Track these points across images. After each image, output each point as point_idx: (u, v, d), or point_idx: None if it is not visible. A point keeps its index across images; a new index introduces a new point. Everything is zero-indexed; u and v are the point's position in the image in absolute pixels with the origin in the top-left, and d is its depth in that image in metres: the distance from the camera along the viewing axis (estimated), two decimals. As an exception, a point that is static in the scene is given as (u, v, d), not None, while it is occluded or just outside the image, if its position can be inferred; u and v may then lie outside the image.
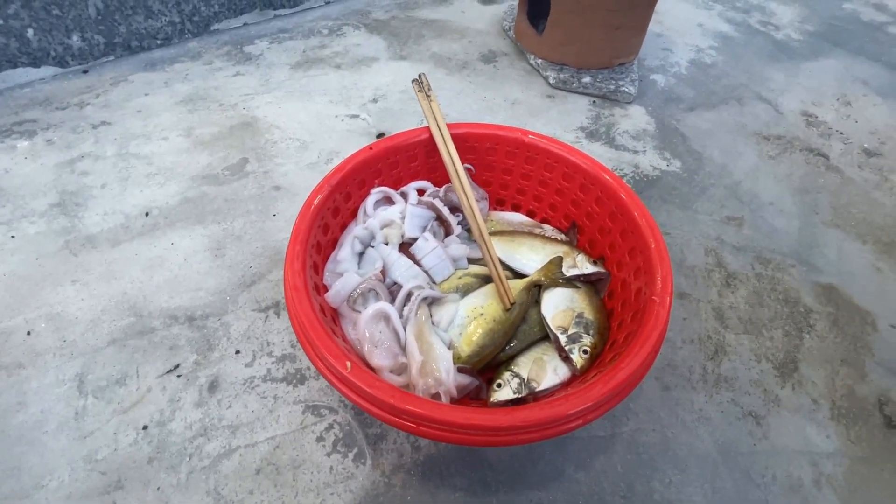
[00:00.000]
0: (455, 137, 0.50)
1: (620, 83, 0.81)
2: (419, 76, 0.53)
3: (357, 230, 0.46)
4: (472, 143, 0.52)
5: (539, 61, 0.86)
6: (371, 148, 0.48)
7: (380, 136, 0.74)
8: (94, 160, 0.68)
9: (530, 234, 0.51)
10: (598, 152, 0.72)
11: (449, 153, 0.48)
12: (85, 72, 0.83)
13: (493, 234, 0.50)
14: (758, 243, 0.60)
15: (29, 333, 0.48)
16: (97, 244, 0.57)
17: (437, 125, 0.49)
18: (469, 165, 0.53)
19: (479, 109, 0.79)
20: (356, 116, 0.77)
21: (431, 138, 0.50)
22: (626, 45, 0.82)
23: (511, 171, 0.53)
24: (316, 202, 0.42)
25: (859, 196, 0.67)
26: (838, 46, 0.98)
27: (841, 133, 0.78)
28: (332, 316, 0.41)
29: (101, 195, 0.63)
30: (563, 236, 0.52)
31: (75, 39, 0.81)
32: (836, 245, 0.61)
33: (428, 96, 0.51)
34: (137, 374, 0.46)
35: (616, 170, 0.69)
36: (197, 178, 0.65)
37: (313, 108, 0.78)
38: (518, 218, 0.54)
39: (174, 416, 0.43)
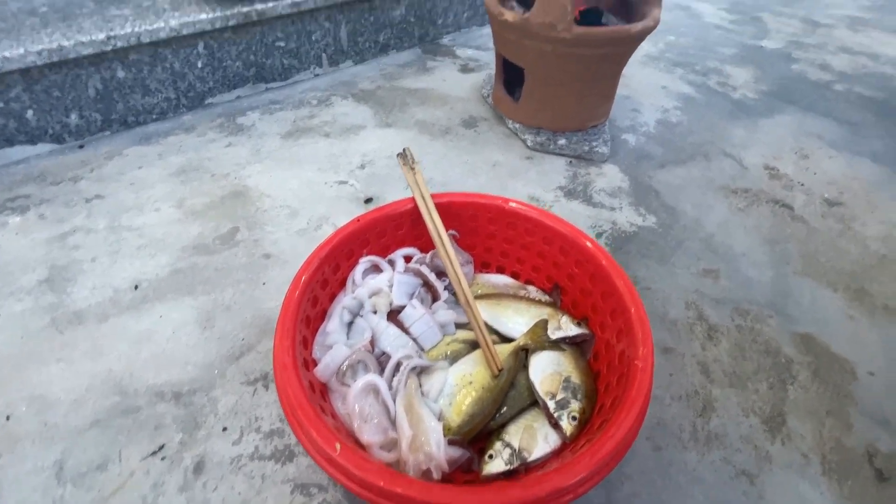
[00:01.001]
0: (439, 207, 0.52)
1: (594, 144, 0.86)
2: (403, 150, 0.56)
3: (346, 300, 0.48)
4: (455, 211, 0.54)
5: (517, 126, 0.91)
6: (359, 220, 0.50)
7: (368, 201, 0.77)
8: (85, 234, 0.69)
9: (515, 296, 0.52)
10: (577, 210, 0.75)
11: (434, 223, 0.50)
12: (81, 147, 0.86)
13: (478, 297, 0.52)
14: (735, 295, 0.63)
15: (8, 418, 0.47)
16: (84, 320, 0.57)
17: (422, 196, 0.52)
18: (453, 231, 0.55)
19: (463, 172, 0.83)
20: (345, 182, 0.80)
21: (417, 208, 0.52)
22: (596, 110, 0.88)
23: (494, 235, 0.55)
24: (304, 277, 0.43)
25: (825, 244, 0.71)
26: (791, 104, 1.06)
27: (802, 185, 0.83)
28: (322, 391, 0.41)
29: (90, 269, 0.63)
30: (547, 297, 0.53)
31: (73, 118, 0.84)
32: (809, 294, 0.63)
33: (412, 169, 0.54)
34: (120, 457, 0.45)
35: (595, 227, 0.72)
36: (187, 249, 0.67)
37: (303, 176, 0.81)
38: (503, 280, 0.56)
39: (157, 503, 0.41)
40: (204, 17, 0.88)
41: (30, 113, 0.79)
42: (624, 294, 0.43)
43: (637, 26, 0.74)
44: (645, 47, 1.30)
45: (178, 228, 0.70)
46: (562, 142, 0.87)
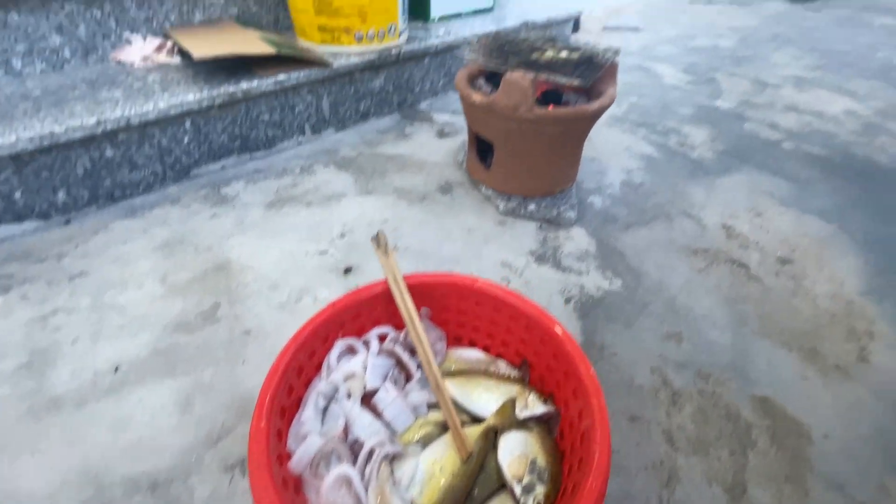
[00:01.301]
0: (412, 287, 0.55)
1: (562, 209, 0.91)
2: (377, 234, 0.60)
3: (321, 386, 0.49)
4: (427, 291, 0.57)
5: (489, 191, 0.97)
6: (334, 304, 0.53)
7: (347, 271, 0.80)
8: (67, 314, 0.70)
9: (486, 372, 0.55)
10: (546, 276, 0.79)
11: (406, 305, 0.53)
12: (67, 222, 0.88)
13: (450, 374, 0.54)
14: (697, 358, 0.66)
15: (-21, 519, 0.47)
16: (62, 406, 0.57)
17: (395, 279, 0.55)
18: (427, 309, 0.58)
19: (439, 238, 0.87)
20: (325, 252, 0.83)
21: (390, 290, 0.55)
22: (562, 176, 0.94)
23: (465, 312, 0.58)
24: (280, 368, 0.45)
25: (780, 304, 0.75)
26: (745, 162, 1.14)
27: (757, 243, 0.88)
28: (296, 485, 0.42)
29: (71, 351, 0.64)
30: (515, 372, 0.56)
31: (61, 195, 0.87)
32: (766, 355, 0.67)
33: (386, 252, 0.58)
34: (93, 557, 0.44)
35: (563, 292, 0.76)
36: (169, 327, 0.68)
37: (285, 247, 0.84)
38: (475, 355, 0.59)
39: None
40: (192, 97, 0.93)
41: (17, 194, 0.82)
42: (583, 374, 0.46)
43: (594, 105, 0.81)
44: (610, 109, 1.39)
45: (160, 305, 0.72)
46: (532, 207, 0.92)
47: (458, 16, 1.56)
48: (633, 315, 0.72)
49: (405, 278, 0.56)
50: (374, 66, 1.21)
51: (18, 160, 0.79)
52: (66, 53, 1.04)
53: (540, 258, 0.83)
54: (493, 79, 0.93)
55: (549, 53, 0.85)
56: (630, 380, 0.63)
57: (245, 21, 1.24)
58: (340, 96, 1.19)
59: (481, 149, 0.98)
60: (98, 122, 0.83)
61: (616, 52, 0.89)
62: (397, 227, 0.89)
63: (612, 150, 1.18)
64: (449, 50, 1.37)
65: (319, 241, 0.86)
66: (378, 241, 0.59)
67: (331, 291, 0.75)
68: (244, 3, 1.24)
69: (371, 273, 0.79)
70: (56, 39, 1.01)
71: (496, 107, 0.80)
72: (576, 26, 2.14)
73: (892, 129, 1.31)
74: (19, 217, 0.84)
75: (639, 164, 1.12)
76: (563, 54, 0.85)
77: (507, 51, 0.88)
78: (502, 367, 0.57)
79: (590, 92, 0.89)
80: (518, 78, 0.76)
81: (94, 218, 0.89)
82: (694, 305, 0.74)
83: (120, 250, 0.82)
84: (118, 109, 0.86)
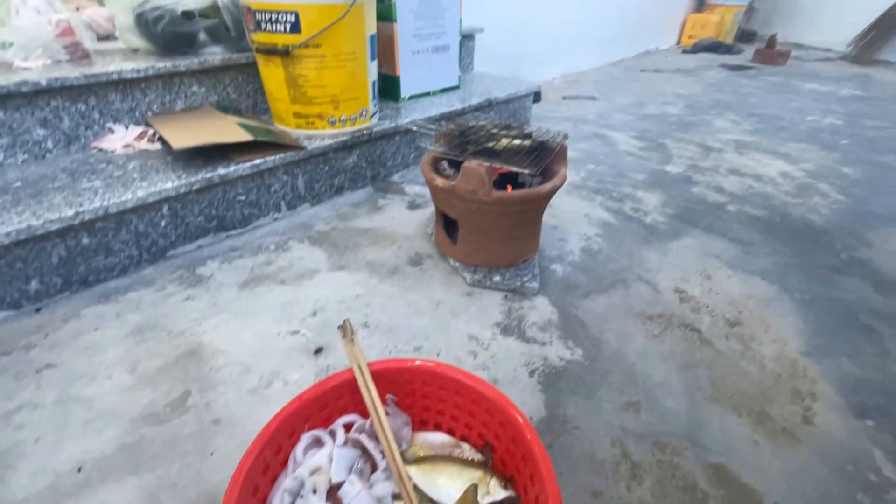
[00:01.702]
0: (376, 374, 0.58)
1: (525, 279, 0.97)
2: (344, 322, 0.63)
3: (286, 482, 0.50)
4: (391, 377, 0.60)
5: (457, 264, 1.02)
6: (300, 397, 0.55)
7: (318, 351, 0.82)
8: (31, 410, 0.69)
9: (450, 457, 0.57)
10: (512, 348, 0.83)
11: (370, 395, 0.56)
12: (38, 310, 0.89)
13: (415, 461, 0.56)
14: (654, 428, 0.69)
15: None
16: (20, 515, 0.56)
17: (360, 368, 0.58)
18: (392, 396, 0.60)
19: (408, 313, 0.90)
20: (297, 332, 0.85)
21: (355, 378, 0.57)
22: (524, 248, 1.00)
23: (429, 395, 0.61)
24: (245, 468, 0.46)
25: (730, 367, 0.80)
26: (693, 226, 1.23)
27: (707, 306, 0.94)
28: None
29: (33, 451, 0.63)
30: (479, 456, 0.58)
31: (34, 284, 0.88)
32: (719, 421, 0.70)
33: (352, 341, 0.61)
34: None
35: (528, 364, 0.79)
36: (137, 420, 0.68)
37: (257, 328, 0.86)
38: (439, 438, 0.61)
39: None
40: (170, 185, 0.98)
41: (-10, 286, 0.83)
42: (539, 461, 0.48)
43: (546, 187, 0.88)
44: (570, 176, 1.50)
45: (129, 397, 0.72)
46: (496, 278, 0.97)
47: (426, 94, 1.69)
48: (594, 385, 0.76)
49: (370, 365, 0.59)
50: (347, 146, 1.29)
51: (-7, 255, 0.81)
52: (49, 144, 1.08)
53: (505, 330, 0.87)
54: (456, 162, 1.01)
55: (504, 142, 0.93)
56: (592, 454, 0.65)
57: (224, 107, 1.32)
58: (315, 174, 1.26)
59: (447, 224, 1.04)
60: (76, 214, 0.87)
61: (565, 136, 0.99)
62: (368, 303, 0.93)
63: (572, 217, 1.26)
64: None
65: (291, 320, 0.88)
66: (344, 330, 0.62)
67: (301, 374, 0.77)
68: (223, 91, 1.32)
69: (342, 352, 0.81)
70: (40, 132, 1.06)
71: (457, 191, 0.87)
72: (537, 97, 2.32)
73: (823, 189, 1.44)
74: (-11, 308, 0.84)
75: (597, 231, 1.20)
76: (517, 142, 0.93)
77: (465, 140, 0.97)
78: (466, 450, 0.59)
79: (545, 171, 0.98)
80: (475, 166, 0.83)
81: (66, 305, 0.90)
82: (651, 373, 0.78)
83: (91, 338, 0.83)
84: (97, 200, 0.90)
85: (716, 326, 0.89)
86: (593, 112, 2.19)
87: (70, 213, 0.86)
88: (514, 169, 0.84)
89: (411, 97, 1.65)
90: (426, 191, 1.38)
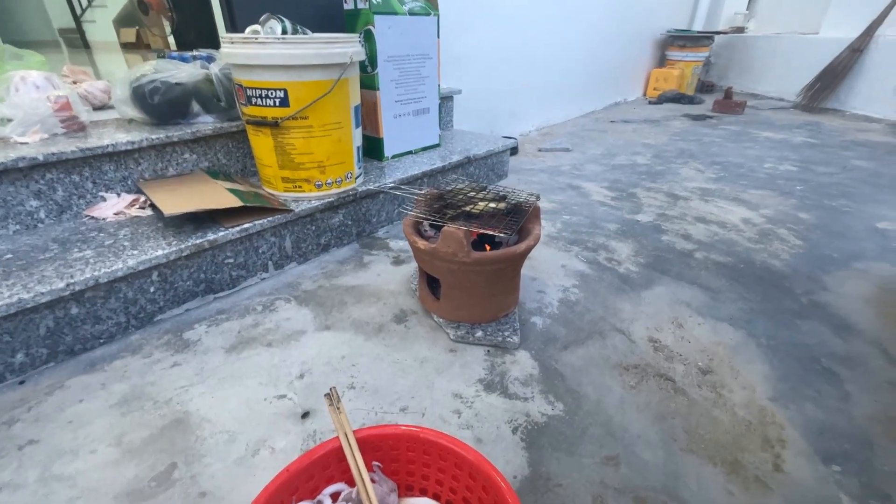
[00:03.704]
0: (363, 441, 0.60)
1: (506, 334, 1.00)
2: (330, 390, 0.66)
3: (274, 559, 0.51)
4: (377, 443, 0.62)
5: (440, 320, 1.05)
6: (287, 470, 0.56)
7: (304, 415, 0.83)
8: (12, 491, 0.69)
9: (435, 523, 0.58)
10: (495, 405, 0.85)
11: (356, 463, 0.57)
12: (21, 383, 0.89)
13: (402, 529, 0.57)
14: (633, 482, 0.71)
15: None
16: None
17: (346, 436, 0.60)
18: (377, 463, 0.62)
19: (393, 373, 0.93)
20: (283, 396, 0.87)
21: (341, 447, 0.59)
22: (504, 303, 1.04)
23: (414, 461, 0.63)
24: (234, 548, 0.47)
25: (703, 416, 0.83)
26: (664, 274, 1.30)
27: (680, 355, 0.99)
28: None
29: (12, 536, 0.63)
30: (463, 520, 0.59)
31: (19, 357, 0.88)
32: (695, 472, 0.73)
33: (338, 409, 0.63)
34: None
35: (511, 421, 0.82)
36: (121, 497, 0.68)
37: (244, 394, 0.87)
38: (426, 503, 0.62)
39: None
40: (160, 252, 1.01)
41: (-25, 361, 0.83)
42: (518, 525, 0.50)
43: (521, 247, 0.94)
44: (547, 227, 1.57)
45: (113, 473, 0.71)
46: (479, 334, 1.00)
47: (409, 153, 1.78)
48: (574, 441, 0.78)
49: (356, 433, 0.61)
50: (333, 207, 1.35)
51: (-19, 329, 0.82)
52: (42, 214, 1.11)
53: (489, 386, 0.89)
54: (436, 225, 1.07)
55: (481, 205, 1.00)
56: (574, 512, 0.67)
57: (214, 172, 1.38)
58: (302, 234, 1.31)
59: (430, 281, 1.08)
60: (67, 286, 0.89)
61: (537, 198, 1.06)
62: (355, 364, 0.95)
63: (549, 268, 1.32)
64: (401, 185, 1.55)
65: (278, 384, 0.89)
66: (331, 397, 0.65)
67: (288, 440, 0.77)
68: (214, 157, 1.38)
69: (328, 416, 0.82)
70: (33, 203, 1.10)
71: (438, 253, 0.92)
72: (514, 151, 2.45)
73: (782, 234, 1.54)
74: (-28, 383, 0.84)
75: (574, 282, 1.25)
76: (493, 205, 1.00)
77: (444, 203, 1.03)
78: (451, 514, 0.60)
79: (521, 230, 1.04)
80: (454, 230, 0.89)
81: (50, 376, 0.90)
82: (629, 425, 0.81)
83: (75, 410, 0.83)
84: (87, 270, 0.93)
85: (689, 375, 0.93)
86: (567, 163, 2.32)
87: (61, 284, 0.88)
88: (491, 232, 0.90)
89: (395, 156, 1.73)
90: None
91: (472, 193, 1.07)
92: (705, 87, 4.44)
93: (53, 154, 1.07)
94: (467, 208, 0.99)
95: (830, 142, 2.69)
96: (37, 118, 1.20)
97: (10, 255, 0.99)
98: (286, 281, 1.25)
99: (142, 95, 1.28)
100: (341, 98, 1.22)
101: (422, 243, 0.95)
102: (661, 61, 4.32)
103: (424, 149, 1.84)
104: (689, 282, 1.26)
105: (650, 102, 4.00)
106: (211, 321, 1.08)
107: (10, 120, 1.18)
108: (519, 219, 0.98)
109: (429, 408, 0.84)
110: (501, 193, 1.07)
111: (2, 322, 0.85)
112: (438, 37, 1.71)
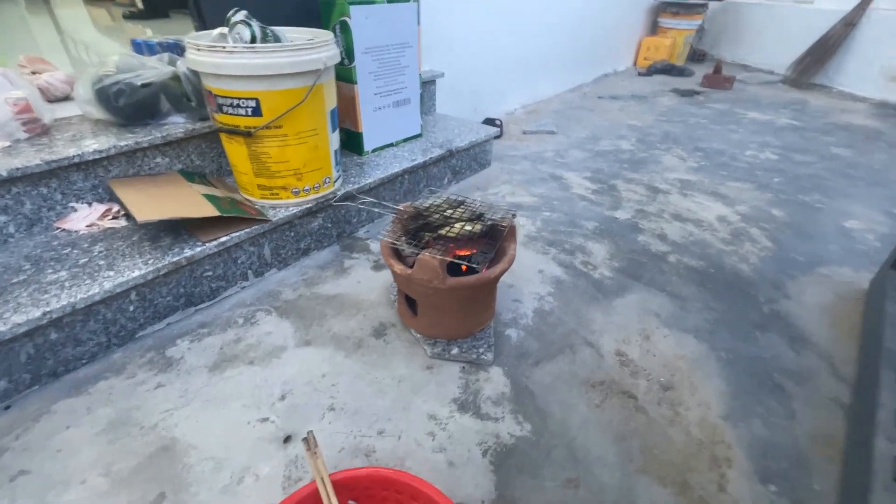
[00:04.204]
0: (339, 483, 0.65)
1: (480, 350, 1.05)
2: (308, 434, 0.69)
3: None
4: (353, 484, 0.66)
5: (418, 335, 1.09)
6: (288, 499, 0.61)
7: (286, 439, 0.87)
8: (8, 524, 0.73)
9: (406, 558, 0.64)
10: (467, 426, 0.90)
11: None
12: (7, 408, 0.91)
13: (375, 565, 0.63)
14: (590, 504, 0.78)
15: None
16: None
17: (322, 481, 0.64)
18: (353, 502, 0.67)
19: (372, 393, 0.97)
20: (266, 419, 0.91)
21: (317, 490, 0.64)
22: (479, 319, 1.08)
23: (387, 499, 0.68)
24: None
25: (659, 436, 0.90)
26: (636, 280, 1.34)
27: (644, 370, 1.05)
28: None
29: (12, 571, 0.67)
30: (431, 555, 0.65)
31: (2, 384, 0.90)
32: (647, 493, 0.80)
33: (315, 454, 0.67)
34: None
35: (481, 444, 0.87)
36: (113, 529, 0.72)
37: (228, 417, 0.91)
38: (397, 537, 0.68)
39: None
40: (137, 273, 1.01)
41: (-42, 393, 0.85)
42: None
43: (495, 271, 0.97)
44: (527, 226, 1.59)
45: (104, 504, 0.76)
46: (455, 350, 1.05)
47: (390, 145, 1.75)
48: (539, 463, 0.84)
49: (332, 476, 0.65)
50: (311, 212, 1.34)
51: (-39, 364, 0.83)
52: (11, 229, 1.09)
53: (462, 406, 0.94)
54: (415, 239, 1.08)
55: (457, 227, 1.01)
56: (535, 535, 0.73)
57: (189, 173, 1.34)
58: (281, 241, 1.31)
59: (409, 298, 1.11)
60: (44, 314, 0.89)
61: (514, 215, 1.07)
62: (335, 383, 0.99)
63: (527, 274, 1.35)
64: (382, 184, 1.54)
65: (261, 406, 0.93)
66: (308, 442, 0.68)
67: (271, 466, 0.82)
68: (187, 159, 1.35)
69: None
70: (1, 219, 1.07)
71: (414, 278, 0.94)
72: (500, 133, 2.41)
73: (754, 234, 1.58)
74: (-43, 413, 0.86)
75: (549, 289, 1.29)
76: (468, 227, 1.01)
77: (422, 222, 1.04)
78: (421, 548, 0.66)
79: (497, 250, 1.06)
80: (429, 259, 0.90)
81: (36, 399, 0.93)
82: (590, 446, 0.88)
83: (63, 438, 0.86)
84: (63, 296, 0.93)
85: (650, 391, 0.99)
86: (551, 149, 2.30)
87: (37, 313, 0.89)
88: (466, 264, 0.92)
89: (375, 149, 1.70)
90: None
91: (450, 212, 1.07)
92: (697, 56, 4.34)
93: (18, 169, 1.03)
94: (444, 231, 1.00)
95: (813, 124, 2.70)
96: (-3, 124, 1.15)
97: (-18, 279, 0.98)
98: (266, 290, 1.26)
99: (106, 98, 1.22)
100: (316, 104, 1.19)
101: (398, 268, 0.97)
102: (654, 28, 4.19)
103: (406, 140, 1.81)
104: (660, 288, 1.31)
105: (640, 74, 3.91)
106: (193, 336, 1.09)
107: (-33, 127, 1.12)
108: (495, 242, 0.99)
109: (405, 431, 0.89)
110: (478, 212, 1.08)
111: (-19, 354, 0.86)
112: (419, 23, 1.64)
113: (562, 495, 0.79)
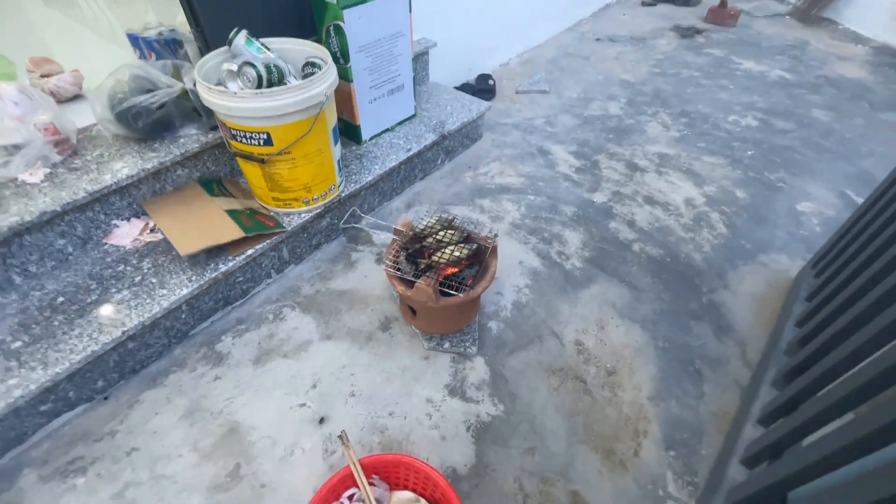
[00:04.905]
0: (367, 465, 0.95)
1: (466, 344, 1.32)
2: (341, 434, 0.98)
3: (320, 542, 0.89)
4: (375, 466, 0.97)
5: (417, 331, 1.35)
6: (319, 492, 0.91)
7: (321, 420, 1.17)
8: (136, 487, 1.04)
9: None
10: (456, 408, 1.20)
11: (362, 482, 0.93)
12: (105, 398, 1.20)
13: (393, 515, 0.95)
14: (542, 466, 1.10)
15: None
16: (158, 561, 0.94)
17: (354, 465, 0.94)
18: (376, 476, 0.98)
19: (382, 381, 1.25)
20: (303, 405, 1.20)
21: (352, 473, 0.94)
22: (466, 318, 1.33)
23: (399, 475, 0.99)
24: (298, 546, 0.84)
25: (599, 414, 1.20)
26: (602, 271, 1.57)
27: (595, 357, 1.33)
28: None
29: (149, 518, 1.00)
30: (430, 508, 0.97)
31: (99, 383, 1.18)
32: (583, 458, 1.12)
33: (348, 447, 0.96)
34: None
35: (466, 422, 1.18)
36: (211, 490, 1.04)
37: (274, 404, 1.20)
38: (406, 495, 1.00)
39: None
40: (185, 290, 1.23)
41: (70, 393, 1.12)
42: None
43: (479, 289, 1.19)
44: (512, 212, 1.77)
45: (199, 472, 1.07)
46: (446, 344, 1.32)
47: (386, 130, 1.85)
48: (508, 436, 1.15)
49: (361, 461, 0.95)
50: (320, 215, 1.52)
51: (71, 378, 1.10)
52: (70, 249, 1.29)
53: (452, 391, 1.24)
54: (412, 260, 1.29)
55: (448, 251, 1.21)
56: (501, 489, 1.06)
57: (207, 181, 1.49)
58: (296, 242, 1.51)
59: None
60: (123, 333, 1.14)
61: (496, 236, 1.27)
62: (353, 373, 1.27)
63: (508, 265, 1.57)
64: (380, 180, 1.69)
65: (298, 393, 1.22)
66: (342, 439, 0.97)
67: (312, 442, 1.13)
68: (204, 167, 1.49)
69: (339, 420, 1.16)
70: (60, 242, 1.26)
71: (413, 299, 1.17)
72: (493, 93, 2.46)
73: (713, 220, 1.77)
74: (72, 405, 1.15)
75: (527, 281, 1.52)
76: (457, 252, 1.21)
77: (418, 246, 1.24)
78: (423, 501, 0.98)
79: (482, 265, 1.27)
80: (424, 287, 1.13)
81: (125, 390, 1.21)
82: (547, 422, 1.18)
83: (155, 423, 1.15)
84: (134, 316, 1.16)
85: (598, 377, 1.28)
86: (542, 114, 2.36)
87: (118, 333, 1.13)
88: (452, 293, 1.14)
89: (373, 137, 1.81)
90: (389, 238, 1.64)
91: (441, 234, 1.26)
92: (708, -23, 4.05)
93: (69, 203, 1.20)
94: (436, 256, 1.21)
95: (805, 79, 2.71)
96: (35, 152, 1.28)
97: (62, 299, 1.20)
98: (287, 285, 1.49)
99: (126, 120, 1.33)
100: (320, 129, 1.31)
101: (401, 289, 1.19)
102: (664, -55, 3.86)
103: (401, 123, 1.90)
104: (621, 279, 1.54)
105: (644, 3, 3.72)
106: (234, 332, 1.35)
107: (7, 161, 1.25)
108: (481, 259, 1.20)
109: (408, 412, 1.19)
110: (465, 234, 1.27)
111: (85, 365, 1.11)
112: (410, 10, 1.65)
113: (522, 461, 1.11)
